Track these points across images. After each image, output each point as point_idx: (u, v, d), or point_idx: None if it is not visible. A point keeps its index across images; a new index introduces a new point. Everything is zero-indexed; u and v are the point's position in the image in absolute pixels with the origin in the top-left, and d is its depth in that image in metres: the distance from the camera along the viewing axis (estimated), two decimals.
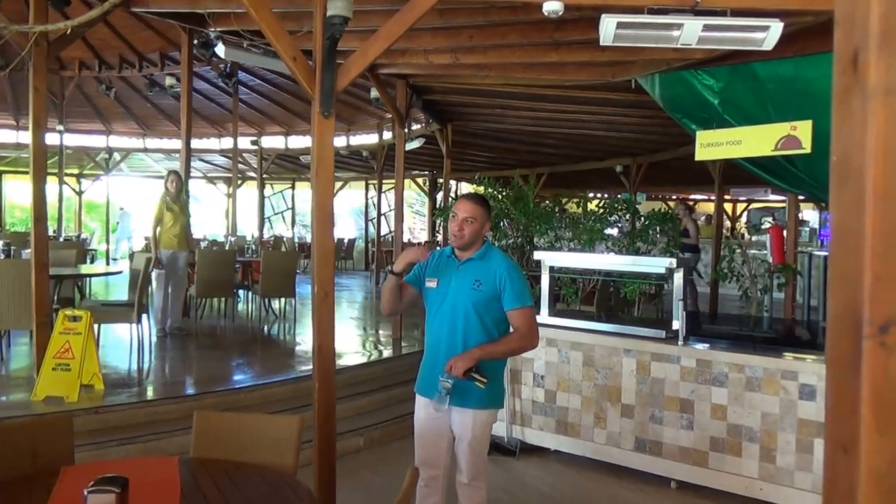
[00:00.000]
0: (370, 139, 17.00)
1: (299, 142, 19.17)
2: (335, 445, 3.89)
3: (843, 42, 1.72)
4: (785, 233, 7.66)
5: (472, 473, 3.37)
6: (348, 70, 3.79)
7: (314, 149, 3.77)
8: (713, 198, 20.11)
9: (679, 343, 4.94)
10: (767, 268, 6.88)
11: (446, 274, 3.42)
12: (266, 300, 10.19)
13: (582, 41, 5.39)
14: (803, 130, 4.78)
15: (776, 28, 3.64)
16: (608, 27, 3.72)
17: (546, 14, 3.79)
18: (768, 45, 3.72)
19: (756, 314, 6.63)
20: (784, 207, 18.23)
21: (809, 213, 18.19)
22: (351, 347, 8.16)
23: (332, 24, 3.56)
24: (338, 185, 22.92)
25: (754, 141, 5.07)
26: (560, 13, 3.78)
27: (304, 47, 3.86)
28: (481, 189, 8.39)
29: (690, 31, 3.66)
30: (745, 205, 19.42)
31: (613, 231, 7.84)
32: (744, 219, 17.20)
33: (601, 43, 3.85)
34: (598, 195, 17.63)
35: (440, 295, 3.40)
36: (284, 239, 18.65)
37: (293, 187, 24.66)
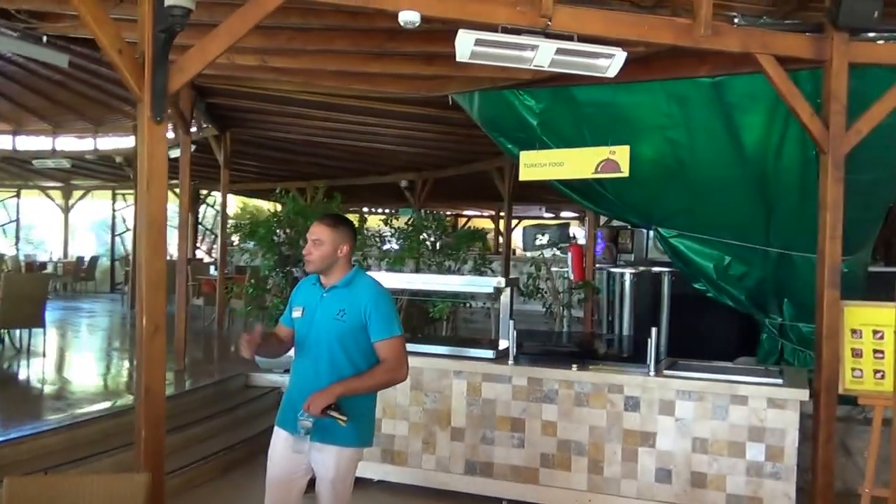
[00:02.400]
0: (124, 143, 15.66)
1: (30, 143, 17.10)
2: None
3: None
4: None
5: None
6: (182, 69, 3.51)
7: (143, 160, 3.44)
8: (486, 214, 21.43)
9: (510, 363, 5.16)
10: (568, 285, 7.47)
11: (311, 302, 3.34)
12: (5, 331, 8.94)
13: (411, 53, 5.46)
14: (621, 155, 5.29)
15: (620, 57, 3.99)
16: (465, 43, 3.82)
17: (402, 24, 3.81)
18: (611, 72, 4.07)
19: (559, 330, 7.15)
20: (557, 225, 19.92)
21: (579, 231, 20.00)
22: (121, 383, 7.43)
23: (170, 14, 3.27)
24: (77, 193, 20.86)
25: (576, 163, 5.50)
26: (416, 24, 3.81)
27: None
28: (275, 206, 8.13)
29: (545, 54, 3.88)
30: (516, 222, 20.83)
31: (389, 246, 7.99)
32: (516, 236, 18.36)
33: (457, 59, 3.95)
34: (379, 210, 17.88)
35: (305, 325, 3.33)
36: (6, 258, 16.54)
37: (18, 196, 21.92)
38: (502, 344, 5.40)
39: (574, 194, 6.50)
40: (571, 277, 7.40)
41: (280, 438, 3.31)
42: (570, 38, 3.93)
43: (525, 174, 5.74)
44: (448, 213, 20.99)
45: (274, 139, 11.62)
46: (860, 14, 4.09)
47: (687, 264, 6.11)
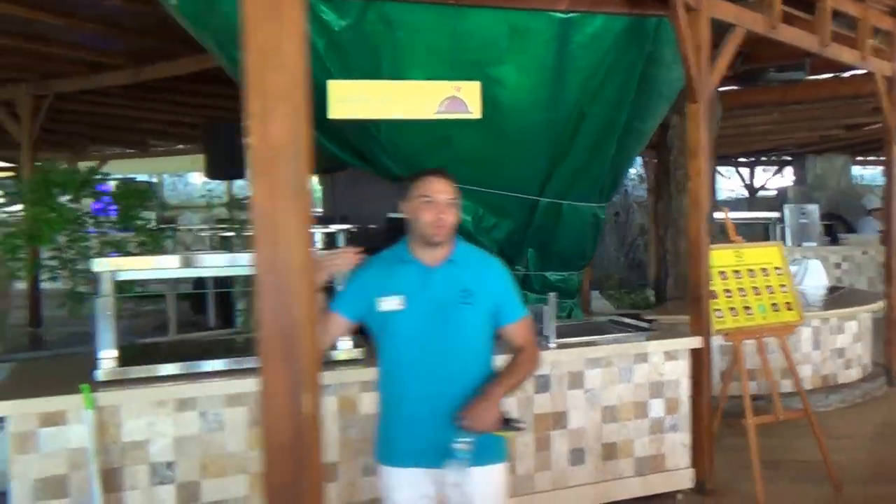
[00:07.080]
0: None
1: None
2: None
3: None
4: None
5: None
6: None
7: None
8: None
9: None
10: None
11: (410, 286, 2.70)
12: None
13: None
14: (469, 92, 4.61)
15: None
16: None
17: None
18: None
19: None
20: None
21: None
22: None
23: None
24: None
25: (411, 100, 4.54)
26: None
27: None
28: None
29: None
30: None
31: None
32: None
33: None
34: None
35: (411, 319, 2.68)
36: None
37: None
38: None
39: (334, 146, 5.40)
40: None
41: (407, 482, 2.69)
42: None
43: (336, 110, 4.52)
44: None
45: None
46: None
47: None
